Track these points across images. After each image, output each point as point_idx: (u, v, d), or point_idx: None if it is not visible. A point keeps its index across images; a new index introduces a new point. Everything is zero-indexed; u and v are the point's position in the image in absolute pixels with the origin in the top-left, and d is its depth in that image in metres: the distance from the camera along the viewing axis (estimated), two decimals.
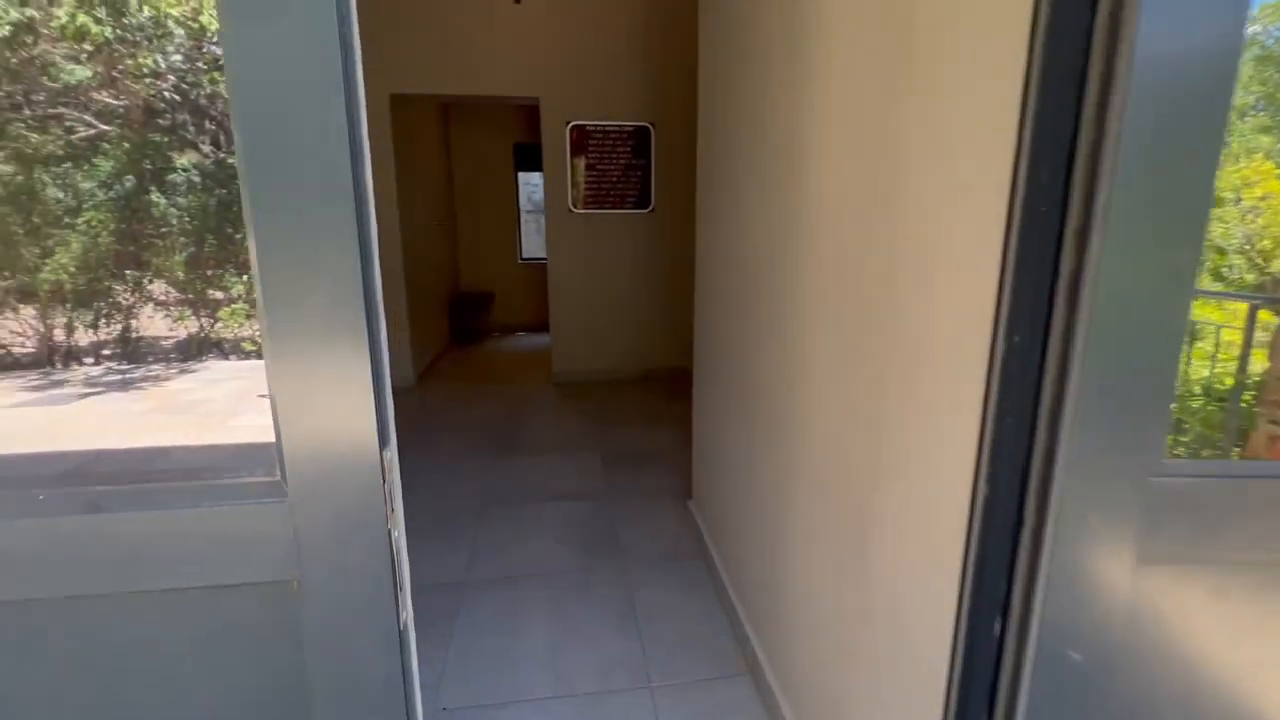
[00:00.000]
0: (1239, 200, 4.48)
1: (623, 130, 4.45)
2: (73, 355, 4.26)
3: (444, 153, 6.51)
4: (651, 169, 4.54)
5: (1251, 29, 4.96)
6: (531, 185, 7.03)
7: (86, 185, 3.74)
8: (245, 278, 4.29)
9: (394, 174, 4.29)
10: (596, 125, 4.42)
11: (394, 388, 0.72)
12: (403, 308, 4.48)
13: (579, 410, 4.15)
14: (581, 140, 4.43)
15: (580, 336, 4.75)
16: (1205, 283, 3.96)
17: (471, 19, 4.13)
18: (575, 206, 4.52)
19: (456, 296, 6.64)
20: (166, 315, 4.46)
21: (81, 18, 3.47)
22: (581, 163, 4.47)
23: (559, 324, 4.72)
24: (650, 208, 4.61)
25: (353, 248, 0.63)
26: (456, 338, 6.52)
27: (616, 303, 4.73)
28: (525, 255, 7.18)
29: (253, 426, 3.35)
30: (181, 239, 4.09)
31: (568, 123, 4.40)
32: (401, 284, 4.45)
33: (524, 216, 7.14)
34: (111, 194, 3.79)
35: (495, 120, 6.71)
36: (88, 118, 3.70)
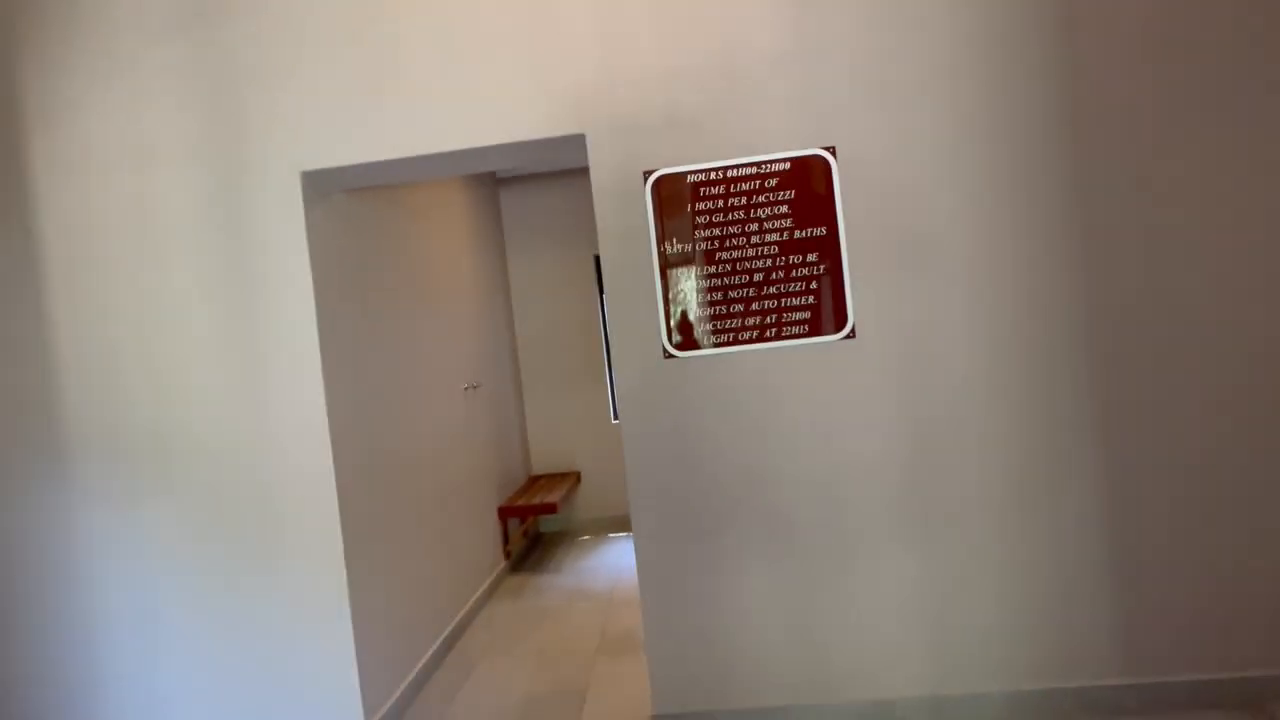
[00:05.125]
0: None
1: (766, 174, 2.04)
2: None
3: (500, 280, 4.54)
4: (841, 248, 2.02)
5: None
6: None
7: None
8: None
9: (314, 312, 2.15)
10: (710, 172, 2.06)
11: None
12: (341, 588, 2.16)
13: None
14: (680, 208, 2.07)
15: (703, 633, 2.10)
16: None
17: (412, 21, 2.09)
18: (676, 344, 2.08)
19: (521, 489, 4.33)
20: None
21: None
22: (686, 252, 2.08)
23: (655, 612, 2.12)
24: (847, 330, 2.04)
25: None
26: (519, 560, 4.12)
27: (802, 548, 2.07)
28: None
29: None
30: None
31: (647, 175, 2.09)
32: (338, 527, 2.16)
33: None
34: None
35: (573, 216, 4.71)
36: None
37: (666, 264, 2.08)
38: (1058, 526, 2.01)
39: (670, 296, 2.08)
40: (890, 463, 2.04)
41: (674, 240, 2.07)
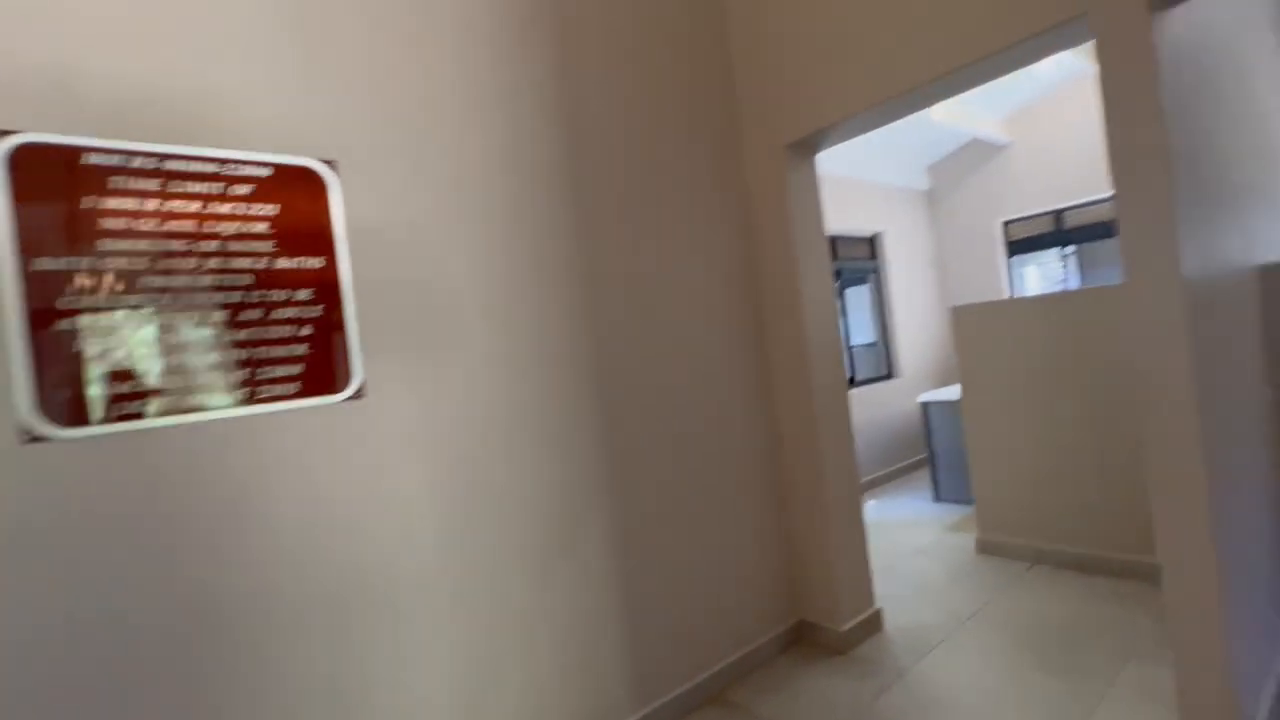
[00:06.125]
0: None
1: (235, 177, 1.49)
2: None
3: None
4: (344, 286, 1.62)
5: None
6: None
7: None
8: None
9: None
10: (134, 156, 1.37)
11: None
12: None
13: None
14: (70, 202, 1.31)
15: None
16: None
17: None
18: (59, 418, 1.27)
19: None
20: None
21: None
22: (78, 272, 1.31)
23: None
24: (352, 389, 1.62)
25: None
26: None
27: None
28: None
29: None
30: None
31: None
32: None
33: None
34: None
35: None
36: None
37: (39, 290, 1.27)
38: (576, 581, 2.02)
39: (46, 343, 1.27)
40: (415, 545, 1.69)
41: (55, 251, 1.29)
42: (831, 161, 4.82)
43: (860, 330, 5.46)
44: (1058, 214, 5.34)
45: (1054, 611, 2.63)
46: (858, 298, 5.50)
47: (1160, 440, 1.64)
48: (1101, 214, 5.09)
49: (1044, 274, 5.71)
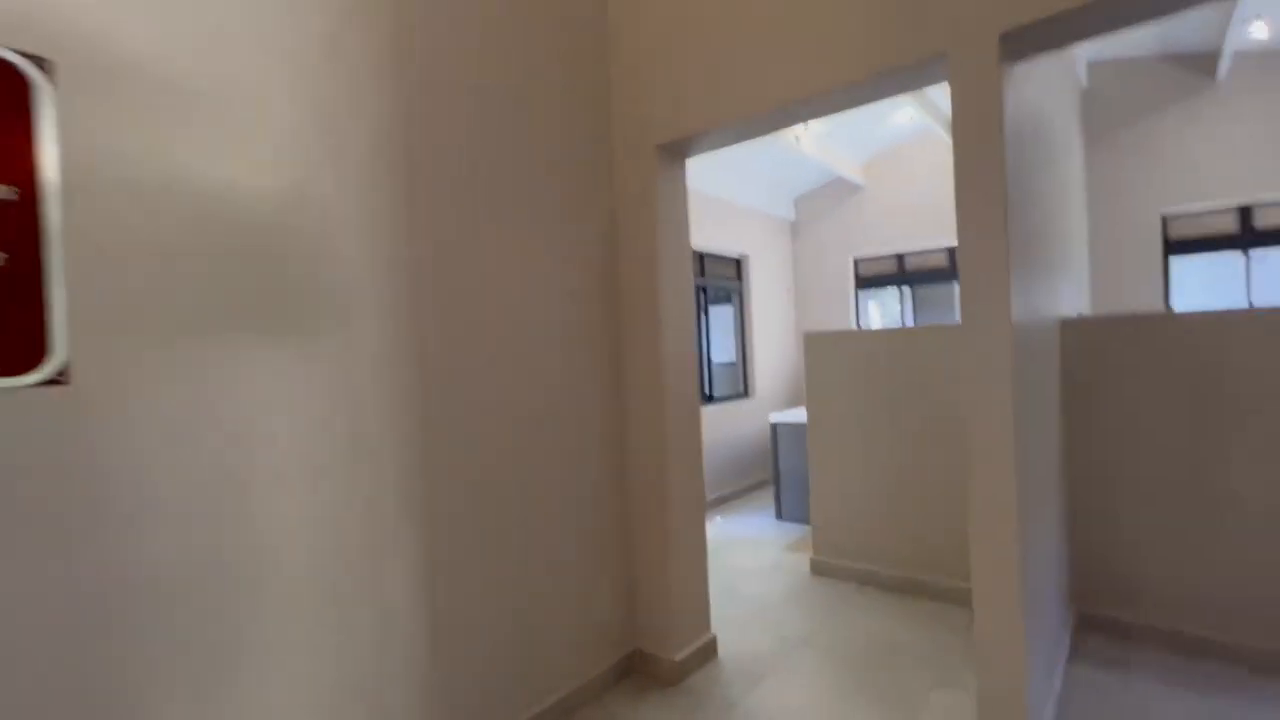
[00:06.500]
0: None
1: None
2: None
3: None
4: (45, 227, 1.19)
5: None
6: None
7: None
8: None
9: None
10: None
11: None
12: None
13: None
14: None
15: None
16: None
17: None
18: None
19: None
20: None
21: None
22: None
23: None
24: (50, 368, 1.19)
25: None
26: None
27: None
28: None
29: None
30: None
31: None
32: None
33: None
34: None
35: None
36: None
37: None
38: (375, 615, 1.69)
39: None
40: (181, 586, 1.28)
41: None
42: (706, 181, 4.85)
43: (722, 348, 5.54)
44: (900, 257, 5.81)
45: (878, 635, 2.71)
46: (722, 316, 5.58)
47: (981, 468, 1.68)
48: (936, 261, 5.61)
49: (884, 310, 6.19)
